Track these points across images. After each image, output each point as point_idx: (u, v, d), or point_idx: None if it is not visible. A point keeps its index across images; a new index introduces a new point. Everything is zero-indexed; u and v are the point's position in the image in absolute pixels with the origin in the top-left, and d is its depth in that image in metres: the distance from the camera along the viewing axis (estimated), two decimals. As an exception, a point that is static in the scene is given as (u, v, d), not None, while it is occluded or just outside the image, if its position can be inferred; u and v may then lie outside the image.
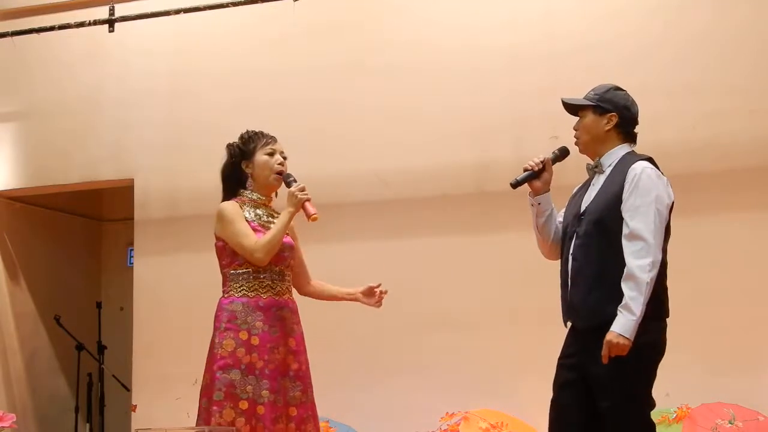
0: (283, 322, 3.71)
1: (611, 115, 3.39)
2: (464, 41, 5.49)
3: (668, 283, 5.12)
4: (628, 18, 5.27)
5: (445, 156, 5.40)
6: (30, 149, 6.34)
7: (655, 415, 4.70)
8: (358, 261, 5.46)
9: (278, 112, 5.55)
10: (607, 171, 3.37)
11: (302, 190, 3.67)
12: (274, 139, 3.88)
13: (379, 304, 3.89)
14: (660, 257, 3.21)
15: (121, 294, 6.83)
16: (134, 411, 5.84)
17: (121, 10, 5.78)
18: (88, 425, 6.74)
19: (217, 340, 3.67)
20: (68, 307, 6.91)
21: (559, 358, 3.44)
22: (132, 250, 6.39)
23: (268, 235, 3.66)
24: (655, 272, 3.17)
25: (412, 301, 5.31)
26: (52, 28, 5.81)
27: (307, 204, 3.65)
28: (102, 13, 5.81)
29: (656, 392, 4.95)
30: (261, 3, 5.44)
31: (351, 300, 3.95)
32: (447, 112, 5.43)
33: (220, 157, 3.86)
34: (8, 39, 5.86)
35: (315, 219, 3.62)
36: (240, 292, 3.72)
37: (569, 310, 3.35)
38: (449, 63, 5.48)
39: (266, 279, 3.72)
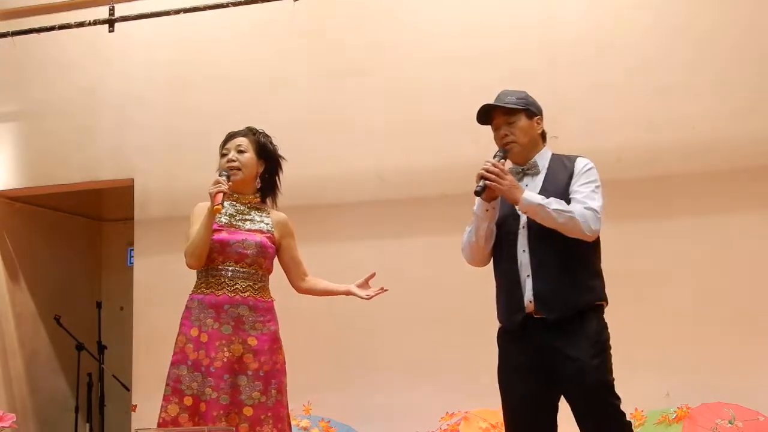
0: (239, 320, 3.66)
1: (538, 118, 3.47)
2: (464, 43, 5.49)
3: (668, 283, 5.14)
4: (628, 20, 5.26)
5: (445, 155, 5.40)
6: (30, 149, 6.33)
7: (655, 415, 4.71)
8: (358, 261, 5.44)
9: (278, 112, 5.55)
10: (543, 172, 3.41)
11: (215, 183, 3.64)
12: (230, 137, 3.85)
13: (369, 297, 3.80)
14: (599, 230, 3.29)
15: (121, 294, 6.83)
16: (134, 411, 5.83)
17: (121, 10, 5.78)
18: (88, 425, 6.73)
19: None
20: (68, 307, 6.91)
21: (509, 360, 3.38)
22: (132, 250, 6.39)
23: (190, 239, 3.68)
24: (595, 227, 3.23)
25: (412, 300, 5.31)
26: (52, 28, 5.81)
27: (217, 196, 3.59)
28: (102, 13, 5.81)
29: (656, 392, 4.96)
30: (261, 3, 5.43)
31: (345, 294, 3.88)
32: (447, 112, 5.43)
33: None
34: (8, 39, 5.85)
35: (217, 210, 3.59)
36: (198, 288, 3.75)
37: (540, 305, 3.27)
38: (449, 63, 5.48)
39: (223, 276, 3.69)
